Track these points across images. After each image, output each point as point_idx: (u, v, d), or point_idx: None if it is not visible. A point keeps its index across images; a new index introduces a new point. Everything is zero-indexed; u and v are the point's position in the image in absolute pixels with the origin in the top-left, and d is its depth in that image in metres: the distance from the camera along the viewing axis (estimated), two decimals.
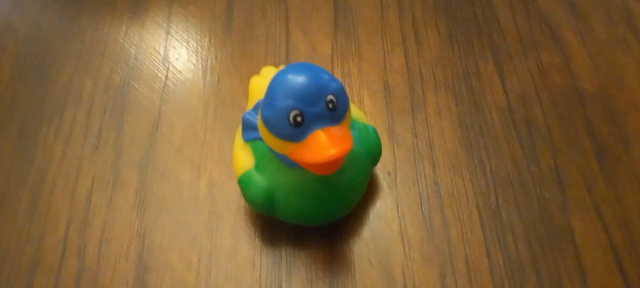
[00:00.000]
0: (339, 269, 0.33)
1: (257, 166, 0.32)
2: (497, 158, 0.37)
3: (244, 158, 0.33)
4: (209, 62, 0.42)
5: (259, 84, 0.35)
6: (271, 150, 0.31)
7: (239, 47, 0.43)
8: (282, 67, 0.37)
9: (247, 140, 0.33)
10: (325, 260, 0.34)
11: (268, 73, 0.36)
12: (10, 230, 0.36)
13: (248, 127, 0.33)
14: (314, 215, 0.32)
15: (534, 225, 0.35)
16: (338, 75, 0.41)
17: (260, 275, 0.33)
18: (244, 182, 0.33)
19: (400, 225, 0.35)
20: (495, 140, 0.38)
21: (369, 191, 0.36)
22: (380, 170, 0.37)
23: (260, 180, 0.32)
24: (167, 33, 0.44)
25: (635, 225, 0.34)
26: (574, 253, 0.34)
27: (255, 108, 0.34)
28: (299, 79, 0.28)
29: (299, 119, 0.28)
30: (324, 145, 0.28)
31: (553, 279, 0.33)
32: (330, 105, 0.28)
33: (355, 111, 0.35)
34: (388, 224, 0.35)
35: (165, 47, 0.44)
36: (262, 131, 0.30)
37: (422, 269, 0.33)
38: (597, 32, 0.42)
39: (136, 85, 0.41)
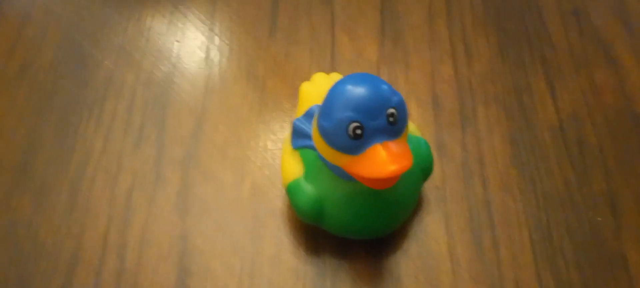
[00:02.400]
0: (385, 285, 0.33)
1: (307, 175, 0.32)
2: (548, 178, 0.36)
3: (292, 166, 0.32)
4: (253, 62, 0.42)
5: (310, 91, 0.34)
6: (322, 160, 0.30)
7: (283, 49, 0.42)
8: (333, 75, 0.36)
9: (296, 147, 0.33)
10: (370, 275, 0.33)
11: (319, 80, 0.35)
12: (49, 223, 0.35)
13: (298, 134, 0.32)
14: (362, 228, 0.32)
15: (585, 249, 0.34)
16: None
17: (304, 286, 0.33)
18: (292, 190, 0.32)
19: (448, 243, 0.34)
20: (546, 160, 0.37)
21: (416, 206, 0.35)
22: (428, 184, 0.36)
23: (309, 190, 0.31)
24: (211, 30, 0.43)
25: None
26: (627, 283, 0.33)
27: (307, 115, 0.33)
28: (359, 90, 0.27)
29: (358, 131, 0.27)
30: (384, 161, 0.27)
31: None
32: (391, 119, 0.27)
33: None
34: (436, 241, 0.34)
35: (208, 45, 0.43)
36: (317, 141, 0.29)
37: None
38: None
39: (178, 82, 0.41)
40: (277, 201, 0.35)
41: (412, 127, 0.35)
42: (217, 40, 0.43)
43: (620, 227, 0.34)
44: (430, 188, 0.36)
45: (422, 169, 0.33)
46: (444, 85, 0.40)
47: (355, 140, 0.27)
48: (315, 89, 0.34)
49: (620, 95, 0.39)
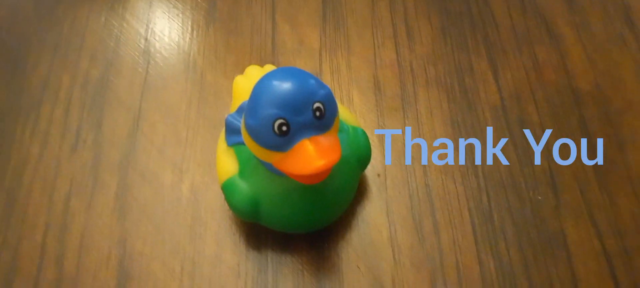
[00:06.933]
0: (326, 277, 0.33)
1: (241, 172, 0.31)
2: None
3: (227, 164, 0.32)
4: (192, 56, 0.41)
5: (243, 85, 0.34)
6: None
7: (223, 39, 0.41)
8: (267, 67, 0.36)
9: (230, 144, 0.32)
10: (312, 268, 0.33)
11: (252, 73, 0.35)
12: None
13: (231, 131, 0.32)
14: (300, 223, 0.31)
15: (526, 229, 0.34)
16: (326, 71, 0.40)
17: (245, 284, 0.32)
18: (227, 189, 0.31)
19: (389, 230, 0.34)
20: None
21: (358, 194, 0.35)
22: (369, 171, 0.36)
23: (244, 187, 0.31)
24: (148, 25, 0.42)
25: (629, 232, 0.33)
26: (566, 260, 0.33)
27: (239, 111, 0.32)
28: (284, 86, 0.27)
29: (284, 128, 0.27)
30: (311, 156, 0.27)
31: (545, 286, 0.32)
32: (318, 113, 0.27)
33: (343, 113, 0.34)
34: (377, 229, 0.34)
35: (146, 40, 0.42)
36: (246, 139, 0.29)
37: (412, 276, 0.33)
38: (594, 28, 0.41)
39: (116, 81, 0.40)
40: (217, 199, 0.35)
41: (350, 116, 0.34)
42: (154, 35, 0.42)
43: (560, 205, 0.34)
44: (371, 175, 0.36)
45: (359, 159, 0.33)
46: (385, 70, 0.40)
47: (282, 136, 0.27)
48: (249, 82, 0.34)
49: (561, 72, 0.39)
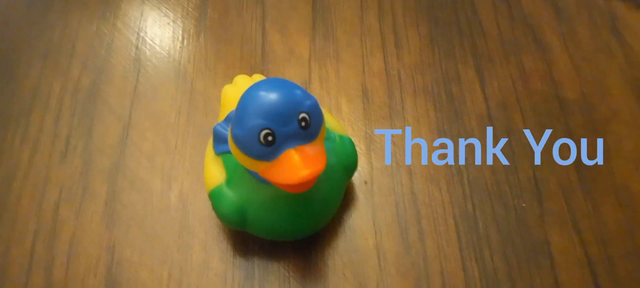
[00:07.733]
0: (312, 284, 0.33)
1: (229, 180, 0.32)
2: (475, 168, 0.37)
3: (214, 172, 0.32)
4: (182, 64, 0.41)
5: (232, 94, 0.34)
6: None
7: (213, 48, 0.42)
8: (256, 77, 0.36)
9: (218, 153, 0.32)
10: (299, 275, 0.33)
11: (241, 82, 0.35)
12: None
13: (219, 140, 0.32)
14: (287, 231, 0.32)
15: (510, 237, 0.34)
16: (315, 79, 0.40)
17: None
18: (215, 197, 0.32)
19: (376, 238, 0.34)
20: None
21: (345, 201, 0.35)
22: (356, 179, 0.36)
23: (231, 196, 0.31)
24: (139, 33, 0.43)
25: (612, 239, 0.34)
26: (550, 268, 0.33)
27: (227, 120, 0.33)
28: (270, 96, 0.27)
29: (270, 138, 0.27)
30: (296, 166, 0.27)
31: None
32: (303, 124, 0.27)
33: (330, 121, 0.34)
34: (363, 237, 0.34)
35: (137, 48, 0.42)
36: (232, 148, 0.29)
37: (397, 283, 0.33)
38: (581, 37, 0.41)
39: (106, 89, 0.40)
40: (205, 207, 0.35)
41: (337, 125, 0.35)
42: (145, 43, 0.42)
43: (544, 213, 0.35)
44: (359, 183, 0.36)
45: (346, 167, 0.33)
46: (373, 78, 0.40)
47: (268, 146, 0.27)
48: (237, 91, 0.34)
49: (548, 81, 0.40)
